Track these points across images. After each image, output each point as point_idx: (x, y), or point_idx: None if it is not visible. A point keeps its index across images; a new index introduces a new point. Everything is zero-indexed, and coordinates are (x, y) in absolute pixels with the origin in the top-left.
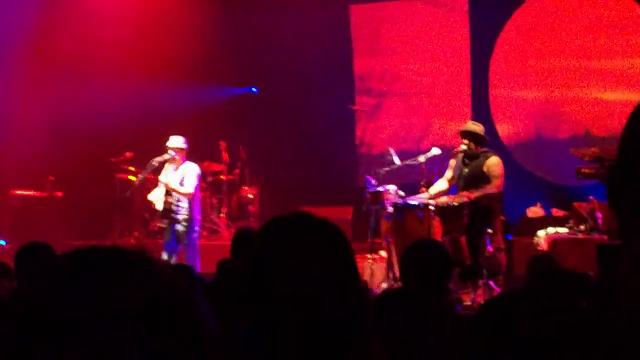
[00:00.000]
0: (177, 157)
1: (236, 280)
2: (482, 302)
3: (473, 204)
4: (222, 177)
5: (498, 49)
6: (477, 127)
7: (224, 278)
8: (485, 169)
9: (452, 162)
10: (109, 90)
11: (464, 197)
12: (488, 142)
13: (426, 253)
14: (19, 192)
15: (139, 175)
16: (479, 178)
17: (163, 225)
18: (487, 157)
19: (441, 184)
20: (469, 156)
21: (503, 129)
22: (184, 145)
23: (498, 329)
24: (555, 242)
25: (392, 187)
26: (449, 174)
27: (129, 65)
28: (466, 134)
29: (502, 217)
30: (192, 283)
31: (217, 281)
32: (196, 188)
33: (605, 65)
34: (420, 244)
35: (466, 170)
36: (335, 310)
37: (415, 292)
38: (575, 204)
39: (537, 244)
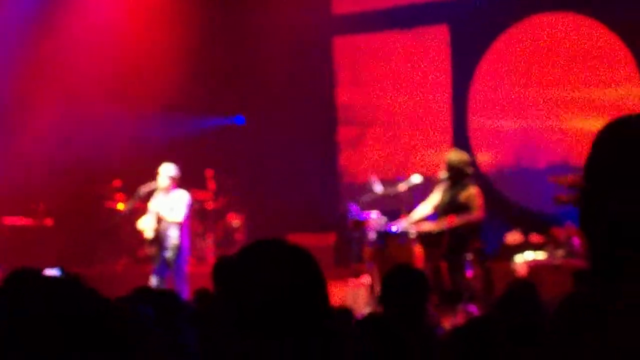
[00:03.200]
0: (167, 184)
1: (213, 309)
2: (458, 325)
3: (453, 230)
4: (208, 205)
5: (478, 78)
6: (457, 157)
7: (202, 306)
8: (463, 199)
9: (439, 188)
10: (97, 118)
11: (444, 224)
12: (469, 172)
13: (404, 279)
14: (8, 218)
15: (128, 203)
16: (457, 206)
17: (152, 253)
18: (465, 188)
19: (423, 209)
20: (449, 185)
21: (482, 157)
22: (174, 173)
23: (471, 350)
24: (533, 267)
25: (374, 214)
26: (434, 199)
27: (117, 94)
28: (447, 163)
29: (479, 244)
30: (176, 309)
31: (196, 309)
32: (186, 216)
33: (585, 95)
34: (398, 270)
35: (446, 198)
36: (304, 335)
37: (395, 317)
38: (553, 230)
39: (515, 269)
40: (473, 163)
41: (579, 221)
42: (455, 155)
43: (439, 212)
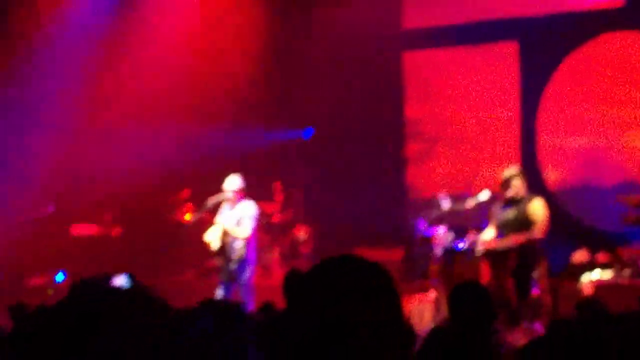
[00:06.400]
0: (233, 197)
1: (282, 323)
2: (524, 343)
3: (519, 248)
4: (275, 217)
5: (547, 95)
6: (511, 172)
7: (267, 319)
8: (529, 213)
9: (493, 207)
10: (167, 130)
11: (510, 241)
12: (526, 184)
13: (470, 296)
14: (78, 227)
15: (195, 214)
16: (523, 222)
17: (218, 264)
18: (531, 201)
19: (490, 230)
20: (512, 201)
21: (550, 175)
22: (241, 185)
23: None
24: (599, 287)
25: (441, 230)
26: (492, 220)
27: (187, 107)
28: (504, 180)
29: (546, 262)
30: (239, 321)
31: (261, 322)
32: (253, 228)
33: None
34: (465, 287)
35: (511, 215)
36: (378, 353)
37: (460, 333)
38: (620, 249)
39: (582, 289)
40: (540, 180)
41: None
42: (509, 171)
43: (505, 230)
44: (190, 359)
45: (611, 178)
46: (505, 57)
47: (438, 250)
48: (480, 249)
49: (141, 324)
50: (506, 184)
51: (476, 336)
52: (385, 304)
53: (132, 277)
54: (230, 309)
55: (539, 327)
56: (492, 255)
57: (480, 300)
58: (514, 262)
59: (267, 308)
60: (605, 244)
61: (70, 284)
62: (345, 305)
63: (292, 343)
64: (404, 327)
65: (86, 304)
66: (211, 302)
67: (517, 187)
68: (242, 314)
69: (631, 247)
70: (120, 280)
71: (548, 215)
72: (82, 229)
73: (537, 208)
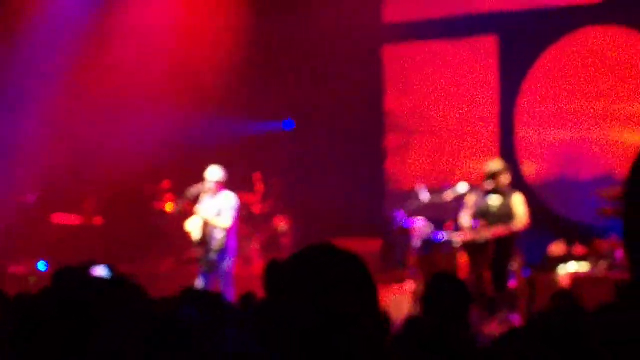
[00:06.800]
0: (214, 187)
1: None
2: (500, 334)
3: (498, 240)
4: (255, 208)
5: (525, 89)
6: (497, 166)
7: (247, 309)
8: (511, 205)
9: (472, 198)
10: (147, 120)
11: (490, 233)
12: (509, 180)
13: (445, 287)
14: (57, 216)
15: (176, 204)
16: (506, 215)
17: (198, 254)
18: (513, 195)
19: (465, 217)
20: (494, 192)
21: (528, 168)
22: (222, 176)
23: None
24: (575, 279)
25: (419, 221)
26: (473, 207)
27: (167, 97)
28: (490, 173)
29: (521, 254)
30: (220, 311)
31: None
32: (233, 218)
33: (632, 109)
34: (439, 278)
35: (495, 203)
36: (353, 342)
37: (435, 324)
38: (596, 242)
39: (558, 280)
40: (518, 173)
41: (623, 235)
42: (495, 165)
43: (485, 221)
44: (172, 348)
45: (589, 171)
46: (484, 50)
47: (416, 242)
48: (458, 240)
49: (129, 313)
50: (492, 177)
51: (451, 327)
52: (360, 294)
53: (111, 267)
54: (210, 299)
55: (515, 319)
56: (470, 246)
57: (454, 291)
58: (492, 253)
59: (247, 298)
60: (581, 237)
61: (52, 272)
62: (321, 296)
63: (271, 334)
64: (380, 318)
65: (70, 291)
66: (193, 292)
67: (503, 181)
68: (223, 304)
69: (608, 240)
70: (100, 271)
71: (528, 211)
72: (63, 218)
73: (519, 203)
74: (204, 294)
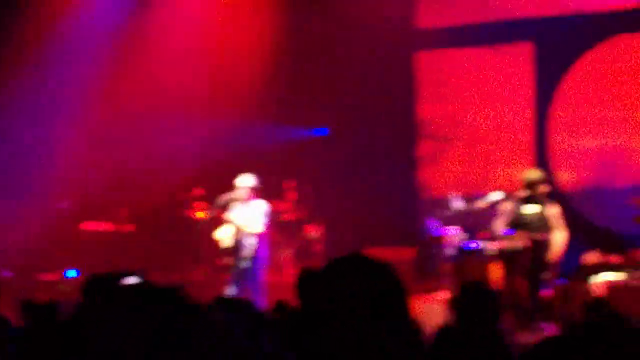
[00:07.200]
0: (246, 194)
1: (292, 320)
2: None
3: (535, 249)
4: (287, 215)
5: (560, 96)
6: (536, 175)
7: (281, 317)
8: (547, 215)
9: (507, 206)
10: (181, 127)
11: (525, 241)
12: (547, 190)
13: (475, 296)
14: (89, 224)
15: (208, 212)
16: (542, 225)
17: (229, 262)
18: (548, 204)
19: (500, 228)
20: (528, 202)
21: (562, 176)
22: (253, 183)
23: None
24: (611, 288)
25: (454, 230)
26: (504, 218)
27: (201, 104)
28: (528, 182)
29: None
30: (250, 318)
31: (274, 319)
32: (265, 226)
33: None
34: (468, 287)
35: (529, 216)
36: (386, 352)
37: (468, 332)
38: (632, 251)
39: (593, 289)
40: (552, 181)
41: None
42: (534, 174)
43: (521, 230)
44: (212, 354)
45: (624, 179)
46: (519, 57)
47: (449, 250)
48: (494, 248)
49: (128, 313)
50: (530, 186)
51: (484, 335)
52: (393, 304)
53: (142, 276)
54: (242, 306)
55: (550, 328)
56: (505, 255)
57: (485, 300)
58: (527, 262)
59: (280, 306)
60: (617, 246)
61: (82, 280)
62: (354, 306)
63: (304, 342)
64: (412, 327)
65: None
66: (224, 299)
67: (541, 191)
68: (254, 311)
69: None
70: (131, 280)
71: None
72: (94, 225)
73: (555, 212)
74: (236, 301)
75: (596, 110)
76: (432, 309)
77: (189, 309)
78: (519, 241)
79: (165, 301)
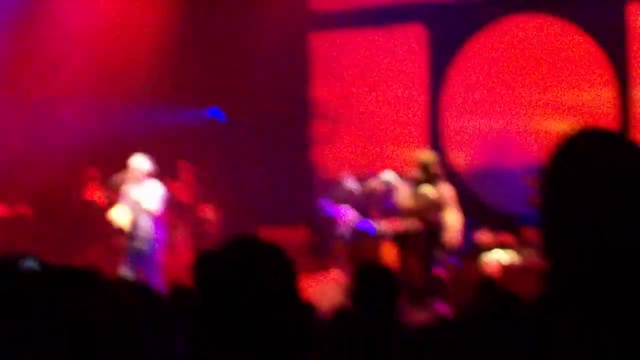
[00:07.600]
0: (140, 175)
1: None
2: (429, 322)
3: (430, 230)
4: (180, 196)
5: (452, 77)
6: (429, 157)
7: (178, 302)
8: (439, 195)
9: (402, 187)
10: (73, 108)
11: (419, 222)
12: (439, 171)
13: (373, 276)
14: None
15: (102, 192)
16: (437, 205)
17: (123, 243)
18: (440, 185)
19: (392, 208)
20: (421, 183)
21: (455, 156)
22: (147, 164)
23: (441, 349)
24: (501, 267)
25: (347, 210)
26: (399, 198)
27: (94, 86)
28: (419, 162)
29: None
30: (146, 300)
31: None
32: (160, 207)
33: (558, 97)
34: (367, 268)
35: (424, 196)
36: (276, 335)
37: (364, 314)
38: (523, 230)
39: (485, 269)
40: (445, 162)
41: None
42: (427, 155)
43: (414, 210)
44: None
45: (516, 160)
46: (411, 39)
47: (342, 230)
48: (388, 229)
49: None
50: (423, 166)
51: (379, 316)
52: (282, 285)
53: (38, 259)
54: (139, 288)
55: (442, 307)
56: (400, 236)
57: (382, 280)
58: (422, 242)
59: (177, 289)
60: (509, 226)
61: None
62: (245, 288)
63: (201, 328)
64: (302, 304)
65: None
66: (123, 282)
67: (434, 171)
68: (148, 292)
69: (535, 229)
70: (28, 264)
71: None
72: None
73: (448, 192)
74: (131, 283)
75: (488, 91)
76: (326, 288)
77: (101, 291)
78: (412, 222)
79: (75, 284)
